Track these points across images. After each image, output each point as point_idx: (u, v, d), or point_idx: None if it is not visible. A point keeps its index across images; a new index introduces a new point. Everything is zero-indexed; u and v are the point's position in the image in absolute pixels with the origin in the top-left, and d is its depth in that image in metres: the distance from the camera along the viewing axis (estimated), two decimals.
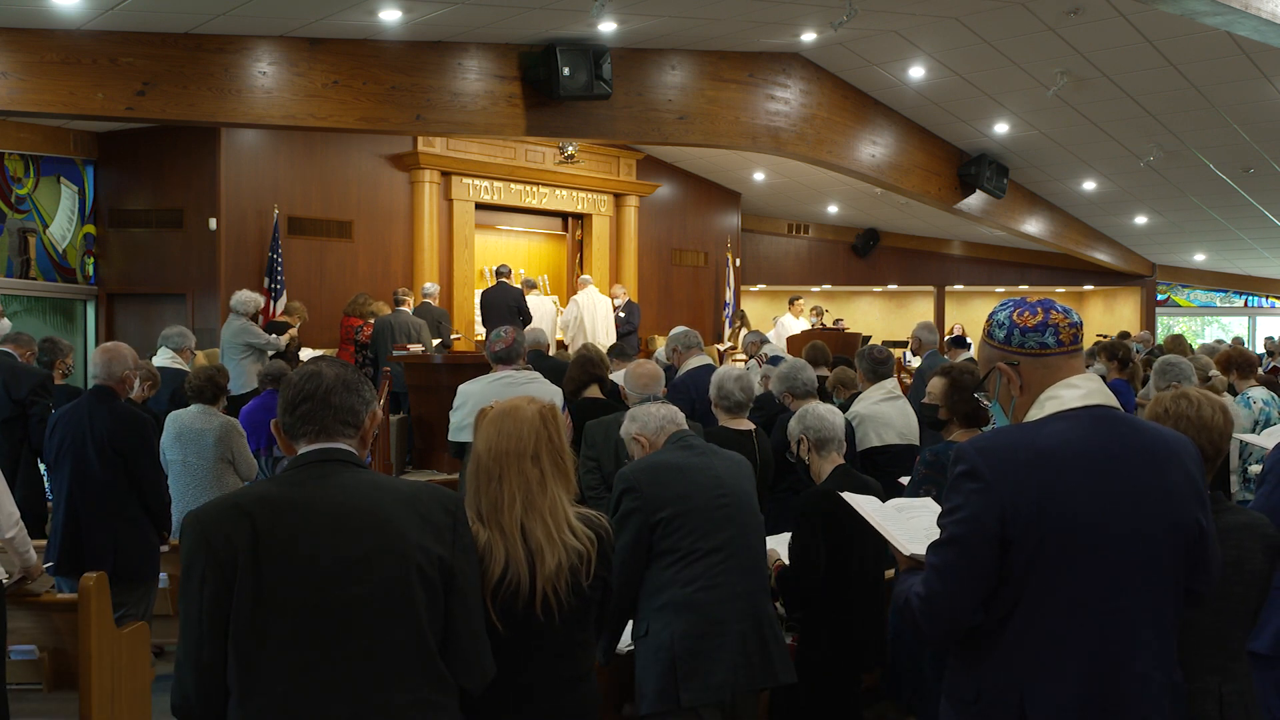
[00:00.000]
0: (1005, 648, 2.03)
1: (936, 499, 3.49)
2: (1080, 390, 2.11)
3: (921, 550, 2.21)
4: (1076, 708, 1.99)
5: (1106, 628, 2.00)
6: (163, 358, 7.24)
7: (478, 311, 11.61)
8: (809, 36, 10.37)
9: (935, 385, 3.90)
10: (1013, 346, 2.17)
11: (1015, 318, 2.17)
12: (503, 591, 2.40)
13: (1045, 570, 1.99)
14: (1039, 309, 2.17)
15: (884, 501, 2.71)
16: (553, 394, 5.06)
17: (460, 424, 5.06)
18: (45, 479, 5.96)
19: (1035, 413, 2.13)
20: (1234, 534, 2.55)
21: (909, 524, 2.40)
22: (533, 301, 11.34)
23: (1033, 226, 15.07)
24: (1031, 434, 2.07)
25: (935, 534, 2.31)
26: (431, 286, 10.95)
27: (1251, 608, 2.58)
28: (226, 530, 2.01)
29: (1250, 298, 19.67)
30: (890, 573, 3.94)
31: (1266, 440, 4.41)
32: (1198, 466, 2.15)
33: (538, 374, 5.25)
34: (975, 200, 13.71)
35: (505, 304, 10.60)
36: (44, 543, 4.79)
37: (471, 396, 4.91)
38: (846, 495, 2.72)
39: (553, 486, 2.44)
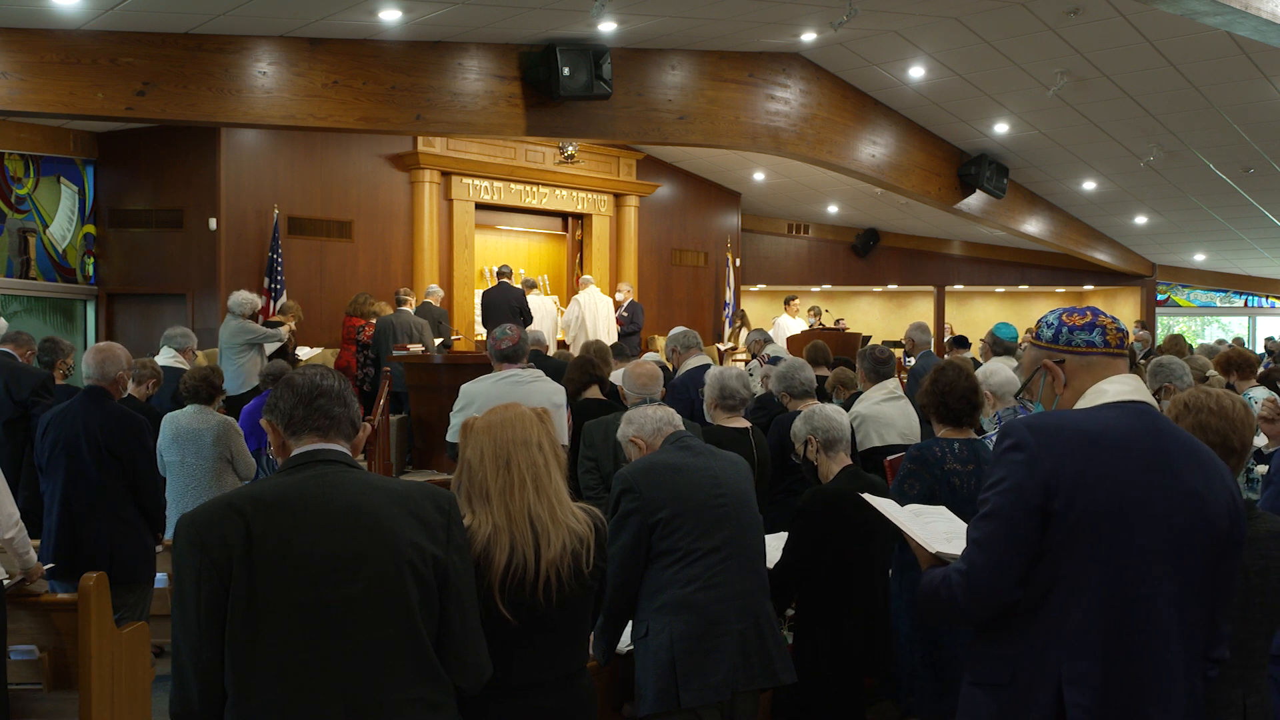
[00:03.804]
0: (1039, 627, 2.04)
1: (922, 495, 3.53)
2: (1127, 386, 2.18)
3: (945, 548, 2.25)
4: (1107, 691, 2.01)
5: (1138, 611, 2.02)
6: (165, 357, 7.23)
7: (478, 311, 11.62)
8: (809, 36, 10.37)
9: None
10: (1060, 344, 2.24)
11: (1064, 318, 2.27)
12: (510, 578, 2.45)
13: (1081, 549, 2.02)
14: (1087, 312, 2.27)
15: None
16: (557, 392, 5.06)
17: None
18: None
19: (1083, 404, 2.19)
20: (1261, 543, 2.53)
21: (928, 527, 2.44)
22: (533, 301, 11.35)
23: (1033, 226, 15.07)
24: (1079, 418, 2.13)
25: (954, 536, 2.34)
26: (435, 288, 10.97)
27: (1276, 617, 2.56)
28: (220, 531, 2.01)
29: (1250, 298, 19.67)
30: (892, 571, 3.95)
31: (1262, 438, 4.41)
32: (1235, 484, 2.18)
33: (541, 372, 5.24)
34: (975, 200, 13.71)
35: (507, 304, 10.60)
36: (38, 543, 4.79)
37: (478, 396, 4.84)
38: (868, 497, 2.74)
39: (555, 473, 2.56)
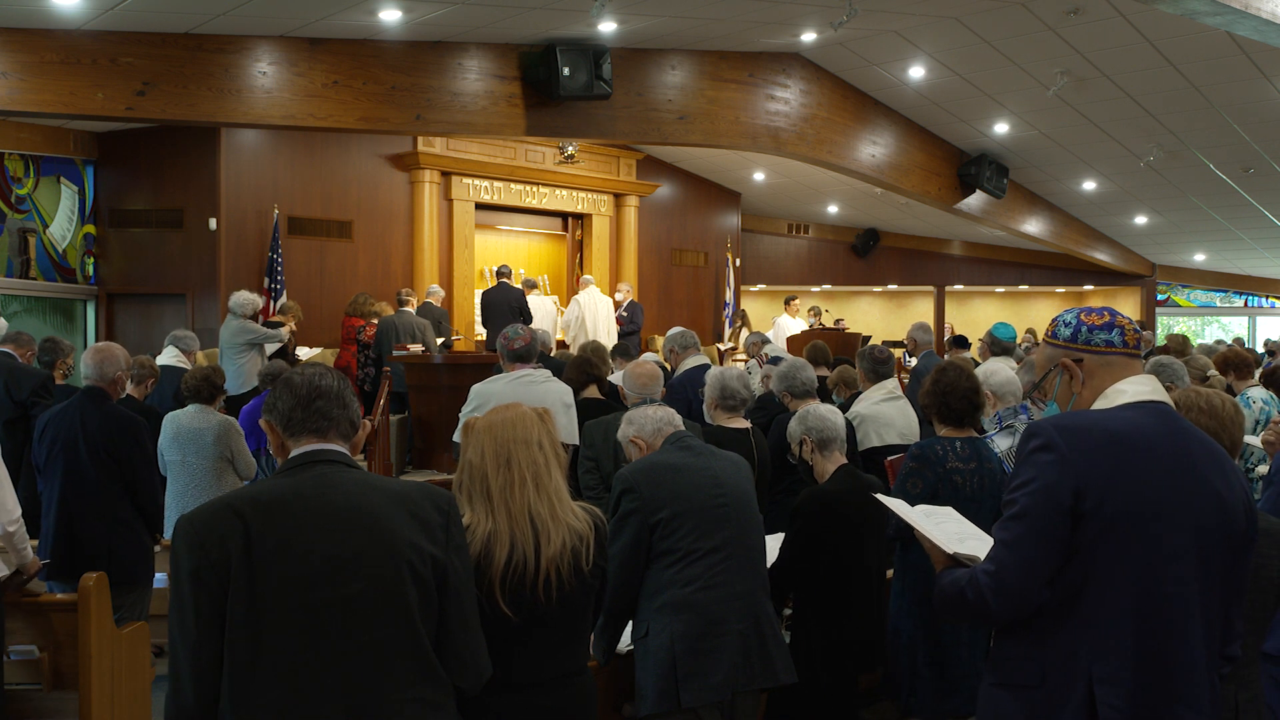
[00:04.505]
0: (1071, 628, 2.04)
1: (925, 493, 3.53)
2: (1146, 387, 2.17)
3: (962, 549, 2.25)
4: (1137, 691, 2.01)
5: (1166, 612, 2.02)
6: (167, 356, 7.23)
7: (478, 311, 11.62)
8: (809, 36, 10.37)
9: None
10: (1079, 343, 2.23)
11: (1083, 317, 2.26)
12: (510, 575, 2.46)
13: (1112, 550, 2.02)
14: (1105, 313, 2.27)
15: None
16: (568, 392, 5.07)
17: None
18: None
19: (1101, 404, 2.18)
20: None
21: (940, 528, 2.43)
22: (533, 301, 11.35)
23: (1033, 226, 15.06)
24: (1104, 418, 2.12)
25: (965, 536, 2.35)
26: (436, 288, 10.97)
27: (1268, 615, 2.58)
28: (220, 532, 2.00)
29: (1250, 298, 19.66)
30: (891, 573, 3.95)
31: None
32: (1248, 484, 2.20)
33: (550, 372, 5.25)
34: (975, 200, 13.71)
35: (506, 304, 10.60)
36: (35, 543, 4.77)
37: (493, 396, 4.79)
38: (882, 498, 2.74)
39: (555, 471, 2.58)
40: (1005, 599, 2.07)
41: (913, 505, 2.70)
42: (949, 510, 2.65)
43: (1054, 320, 2.32)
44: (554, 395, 4.85)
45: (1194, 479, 2.07)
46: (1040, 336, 2.40)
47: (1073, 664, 2.03)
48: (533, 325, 10.14)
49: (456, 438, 5.08)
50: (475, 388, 4.97)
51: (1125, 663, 2.00)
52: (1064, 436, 2.06)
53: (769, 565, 3.72)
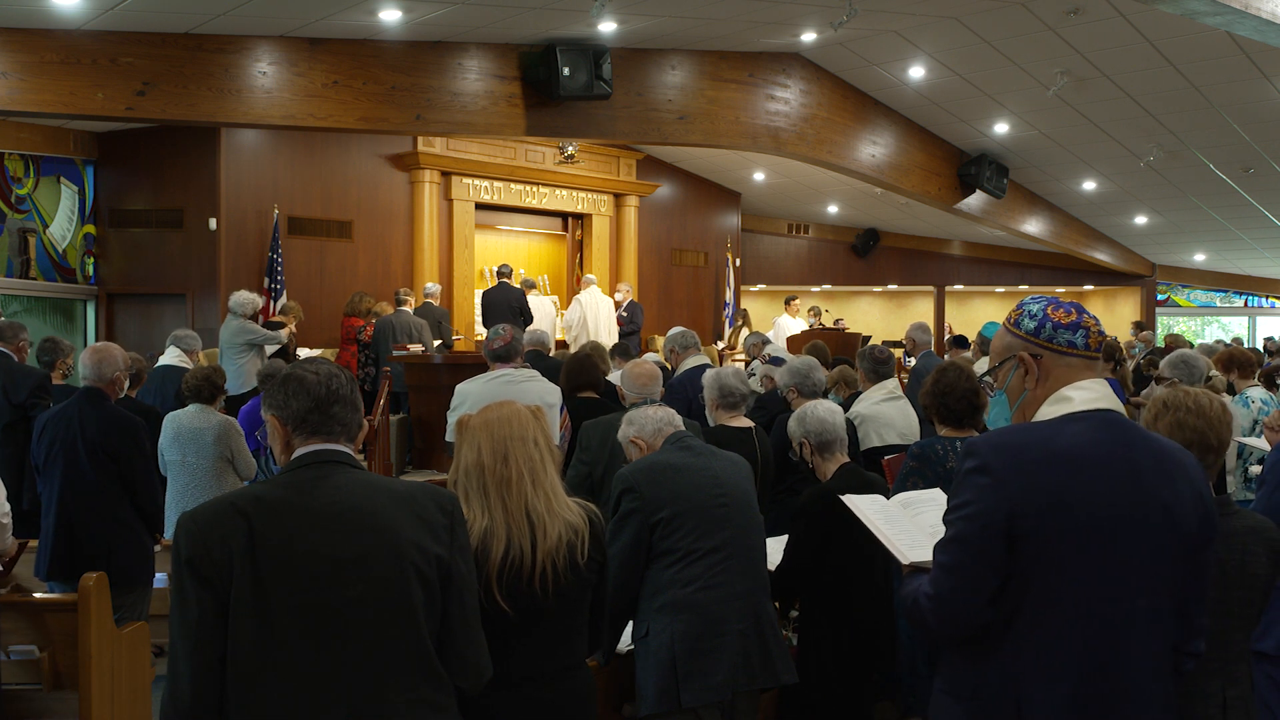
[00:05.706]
0: (1007, 646, 2.02)
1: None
2: (1092, 394, 2.10)
3: (923, 555, 2.20)
4: (1071, 709, 1.98)
5: (1107, 631, 1.99)
6: (170, 356, 7.22)
7: (478, 311, 11.62)
8: (809, 36, 10.37)
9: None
10: (1041, 339, 2.15)
11: (1049, 312, 2.16)
12: (507, 570, 2.48)
13: (1051, 569, 1.99)
14: (1073, 309, 2.17)
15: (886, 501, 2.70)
16: (551, 392, 5.07)
17: None
18: None
19: (1046, 412, 2.12)
20: (1238, 537, 2.54)
21: (916, 521, 2.38)
22: (532, 301, 11.35)
23: (1033, 226, 15.06)
24: (1045, 433, 2.06)
25: (942, 531, 2.31)
26: (433, 287, 10.97)
27: (1255, 611, 2.58)
28: (222, 531, 2.00)
29: (1250, 298, 19.66)
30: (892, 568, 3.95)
31: (1265, 442, 4.41)
32: (1204, 484, 2.13)
33: (535, 372, 5.25)
34: (975, 200, 13.71)
35: (507, 304, 10.61)
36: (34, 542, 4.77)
37: (470, 396, 4.92)
38: (846, 498, 2.71)
39: (550, 467, 2.60)
40: (945, 621, 2.05)
41: None
42: (934, 494, 2.57)
43: (1019, 306, 2.21)
44: (532, 395, 4.84)
45: (1140, 494, 2.01)
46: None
47: (1007, 682, 2.01)
48: (532, 325, 10.14)
49: (450, 438, 5.12)
50: (457, 387, 5.10)
51: (1060, 683, 1.98)
52: (1000, 457, 2.01)
53: (773, 568, 3.72)
